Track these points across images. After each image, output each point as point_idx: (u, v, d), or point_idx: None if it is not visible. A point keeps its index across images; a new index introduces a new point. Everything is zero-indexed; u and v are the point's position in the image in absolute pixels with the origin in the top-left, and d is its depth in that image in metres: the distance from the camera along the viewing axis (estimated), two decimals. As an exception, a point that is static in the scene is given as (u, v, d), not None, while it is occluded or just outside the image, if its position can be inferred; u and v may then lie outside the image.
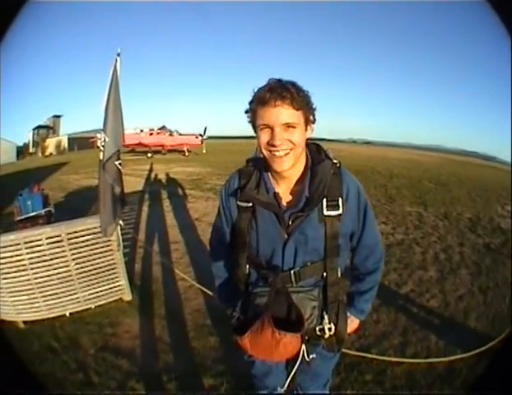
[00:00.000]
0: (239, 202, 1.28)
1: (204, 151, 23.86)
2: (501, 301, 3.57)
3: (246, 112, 1.18)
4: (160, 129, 24.71)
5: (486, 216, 7.27)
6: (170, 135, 24.56)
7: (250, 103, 1.16)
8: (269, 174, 1.25)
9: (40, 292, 2.99)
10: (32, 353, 2.65)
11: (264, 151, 1.16)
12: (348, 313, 1.39)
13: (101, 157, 2.97)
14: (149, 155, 22.34)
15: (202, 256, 4.69)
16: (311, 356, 1.35)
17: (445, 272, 4.33)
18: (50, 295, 3.03)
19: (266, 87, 1.11)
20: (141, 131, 23.85)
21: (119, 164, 3.04)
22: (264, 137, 1.14)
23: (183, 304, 3.51)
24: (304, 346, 1.31)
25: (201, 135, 24.77)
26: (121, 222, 3.20)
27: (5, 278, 2.87)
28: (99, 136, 3.00)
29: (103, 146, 2.95)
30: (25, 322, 3.03)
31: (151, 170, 14.48)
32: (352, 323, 1.45)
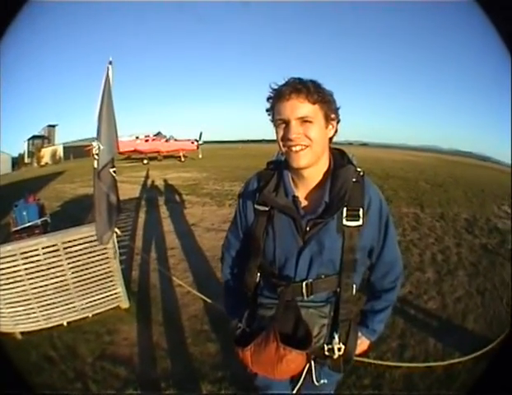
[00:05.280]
0: (256, 206, 1.23)
1: (200, 156, 23.87)
2: (499, 303, 3.55)
3: (267, 110, 1.16)
4: (155, 135, 24.73)
5: (482, 217, 7.23)
6: (166, 141, 24.57)
7: (268, 99, 1.14)
8: (289, 175, 1.19)
9: (37, 302, 2.97)
10: (30, 364, 2.63)
11: (282, 148, 1.13)
12: (359, 333, 1.32)
13: (96, 165, 2.97)
14: (145, 161, 22.32)
15: (199, 261, 4.70)
16: (322, 381, 1.29)
17: (443, 274, 4.30)
18: (47, 304, 3.01)
19: (283, 83, 1.09)
20: (137, 138, 23.87)
21: (114, 171, 3.04)
22: (281, 132, 1.11)
23: (180, 310, 3.50)
24: (313, 369, 1.26)
25: (196, 140, 24.77)
26: (117, 230, 3.19)
27: (2, 289, 2.85)
28: (94, 144, 2.98)
29: (97, 154, 2.95)
30: (22, 333, 3.00)
31: (147, 177, 14.46)
32: (362, 344, 1.36)
